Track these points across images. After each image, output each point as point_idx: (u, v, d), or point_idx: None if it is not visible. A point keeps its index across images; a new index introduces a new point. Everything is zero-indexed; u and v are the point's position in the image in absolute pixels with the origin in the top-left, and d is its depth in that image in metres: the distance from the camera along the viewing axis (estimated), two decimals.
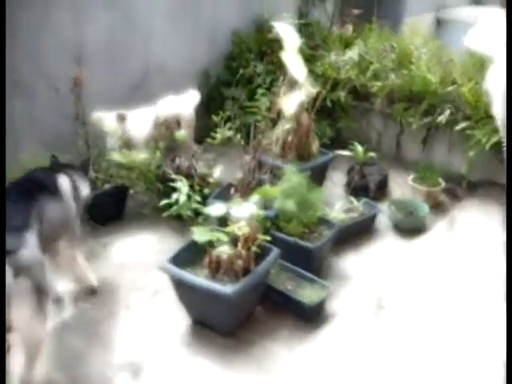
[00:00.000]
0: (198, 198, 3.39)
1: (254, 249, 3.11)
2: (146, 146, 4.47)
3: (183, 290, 3.21)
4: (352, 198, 4.37)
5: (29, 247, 2.62)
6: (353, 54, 5.35)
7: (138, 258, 3.99)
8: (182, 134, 4.17)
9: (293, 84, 4.40)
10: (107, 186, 4.29)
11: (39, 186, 3.07)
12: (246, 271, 3.12)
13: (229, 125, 3.98)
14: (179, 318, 3.38)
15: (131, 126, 4.46)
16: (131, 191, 4.42)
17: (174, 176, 4.06)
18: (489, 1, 9.42)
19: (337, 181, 5.05)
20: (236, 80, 5.81)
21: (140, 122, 4.49)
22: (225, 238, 3.04)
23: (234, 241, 3.12)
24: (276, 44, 5.64)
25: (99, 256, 3.97)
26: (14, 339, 2.64)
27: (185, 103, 4.82)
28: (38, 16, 4.31)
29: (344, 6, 6.36)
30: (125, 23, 4.99)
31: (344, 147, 4.93)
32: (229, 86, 5.84)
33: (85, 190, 3.46)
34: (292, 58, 4.19)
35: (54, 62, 4.45)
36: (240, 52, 5.86)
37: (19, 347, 2.67)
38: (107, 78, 4.78)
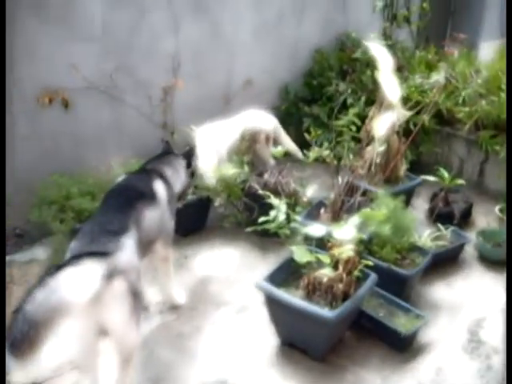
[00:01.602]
0: (298, 217, 3.31)
1: (355, 273, 3.02)
2: (229, 158, 4.44)
3: (277, 309, 3.15)
4: (440, 226, 4.24)
5: (125, 251, 2.61)
6: (439, 77, 5.22)
7: (221, 272, 3.95)
8: (280, 150, 4.12)
9: (384, 105, 4.30)
10: (191, 197, 4.26)
11: (136, 191, 3.08)
12: (345, 295, 3.03)
13: (326, 144, 3.92)
14: (267, 337, 3.32)
15: (216, 139, 4.44)
16: (214, 204, 4.38)
17: (260, 192, 4.01)
18: None
19: (418, 206, 4.92)
20: (316, 97, 5.77)
21: (225, 134, 4.47)
22: (327, 260, 2.96)
23: (335, 264, 3.04)
24: (358, 64, 5.63)
25: (182, 267, 3.95)
26: (106, 345, 2.61)
27: (268, 118, 4.80)
28: (133, 20, 4.35)
29: (426, 29, 6.26)
30: (212, 37, 5.03)
31: (424, 172, 4.80)
32: (307, 102, 5.80)
33: (181, 182, 3.52)
34: (387, 78, 4.10)
35: (145, 71, 4.49)
36: (321, 69, 5.83)
37: (111, 354, 2.63)
38: (194, 88, 4.79)
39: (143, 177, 3.29)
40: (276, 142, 4.83)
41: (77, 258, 2.39)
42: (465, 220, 4.69)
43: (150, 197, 3.13)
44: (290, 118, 5.73)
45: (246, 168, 4.26)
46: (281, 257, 3.59)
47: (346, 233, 3.02)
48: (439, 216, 4.58)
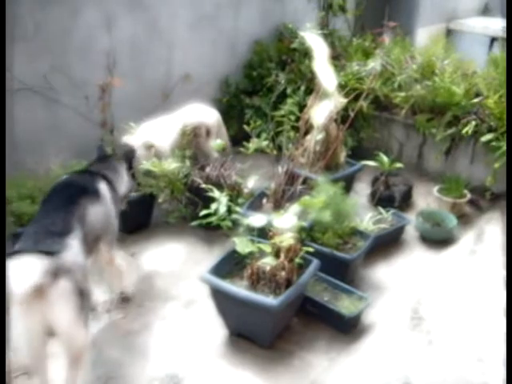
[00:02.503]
0: (238, 209, 3.35)
1: (297, 260, 3.09)
2: (171, 154, 4.44)
3: (223, 301, 3.18)
4: (381, 209, 4.35)
5: (71, 251, 2.60)
6: (375, 64, 5.33)
7: (168, 268, 3.96)
8: (219, 142, 4.14)
9: (321, 94, 4.37)
10: (134, 195, 4.24)
11: (80, 190, 3.05)
12: (288, 282, 3.10)
13: (264, 135, 3.96)
14: (215, 329, 3.36)
15: (157, 135, 4.43)
16: (158, 200, 4.38)
17: (203, 185, 4.03)
18: (497, 11, 9.54)
19: (360, 191, 5.03)
20: (256, 89, 5.81)
21: (166, 130, 4.46)
22: (268, 250, 3.01)
23: (277, 252, 3.09)
24: (296, 53, 5.69)
25: (128, 265, 3.92)
26: (56, 345, 2.61)
27: (209, 112, 4.81)
28: (65, 19, 4.29)
29: (363, 17, 6.37)
30: (148, 32, 4.99)
31: (365, 157, 4.92)
32: (248, 94, 5.84)
33: (124, 185, 3.51)
34: (323, 67, 4.17)
35: (81, 70, 4.44)
36: (260, 61, 5.86)
37: (62, 354, 2.63)
38: (132, 85, 4.76)
39: (86, 176, 3.27)
40: (218, 136, 4.85)
41: (19, 253, 2.40)
42: (405, 202, 4.84)
43: (93, 193, 3.11)
44: (231, 110, 5.75)
45: (188, 162, 4.26)
46: (226, 249, 3.63)
47: (286, 221, 3.08)
48: (380, 199, 4.70)
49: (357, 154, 5.21)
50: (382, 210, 4.36)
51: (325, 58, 4.28)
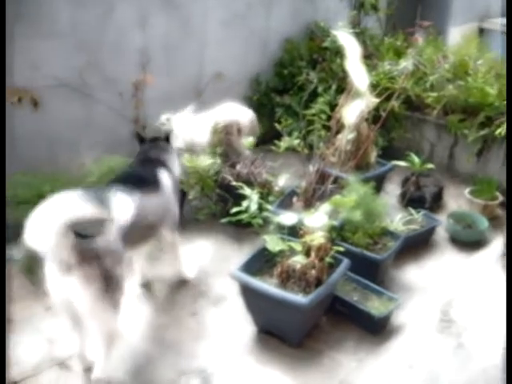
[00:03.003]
0: (269, 207, 3.36)
1: (327, 259, 3.09)
2: (204, 151, 4.47)
3: (253, 298, 3.20)
4: (411, 210, 4.32)
5: (105, 236, 2.68)
6: (407, 63, 5.29)
7: (198, 264, 3.98)
8: (250, 141, 4.16)
9: (353, 93, 4.36)
10: None
11: (139, 181, 3.18)
12: (318, 281, 3.10)
13: (296, 134, 3.97)
14: (244, 326, 3.37)
15: (193, 131, 4.46)
16: (188, 197, 4.41)
17: (233, 183, 4.05)
18: None
19: (390, 191, 5.01)
20: (287, 87, 5.82)
21: (201, 127, 4.49)
22: (299, 248, 3.02)
23: (307, 251, 3.10)
24: (328, 52, 5.68)
25: (158, 259, 3.96)
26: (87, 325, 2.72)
27: (242, 110, 4.82)
28: (100, 17, 4.34)
29: (394, 16, 6.33)
30: (181, 30, 5.03)
31: (396, 157, 4.88)
32: (279, 92, 5.85)
33: (177, 167, 3.66)
34: (355, 67, 4.15)
35: (115, 67, 4.49)
36: (291, 59, 5.86)
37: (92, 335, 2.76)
38: (164, 82, 4.80)
39: (147, 165, 3.43)
40: (251, 134, 4.86)
41: None
42: (436, 203, 4.80)
43: (153, 184, 3.28)
44: (262, 108, 5.76)
45: (219, 159, 4.28)
46: (256, 246, 3.64)
47: (317, 220, 3.08)
48: (411, 200, 4.67)
49: (387, 153, 5.18)
50: (412, 210, 4.32)
51: (357, 57, 4.27)
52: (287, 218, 3.14)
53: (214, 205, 4.34)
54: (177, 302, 3.60)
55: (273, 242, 3.07)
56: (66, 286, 2.53)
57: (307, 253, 3.10)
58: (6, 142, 3.83)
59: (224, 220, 4.06)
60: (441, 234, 4.42)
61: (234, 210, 3.36)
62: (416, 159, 4.70)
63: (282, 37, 5.95)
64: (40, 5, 3.97)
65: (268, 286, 3.10)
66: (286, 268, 3.12)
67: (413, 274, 3.94)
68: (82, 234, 2.57)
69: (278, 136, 4.37)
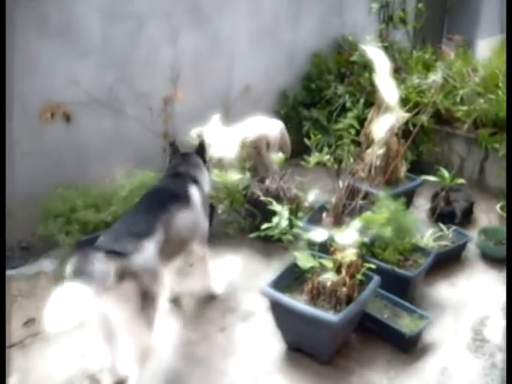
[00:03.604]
0: (300, 223, 3.35)
1: (358, 277, 3.07)
2: (233, 165, 4.48)
3: (283, 314, 3.19)
4: (442, 226, 4.27)
5: (143, 254, 2.72)
6: (436, 77, 5.26)
7: (226, 279, 3.97)
8: (280, 155, 4.16)
9: (382, 107, 4.33)
10: None
11: (171, 195, 3.25)
12: (349, 299, 3.07)
13: (326, 149, 3.96)
14: (273, 343, 3.36)
15: (222, 145, 4.47)
16: (217, 211, 4.42)
17: (262, 198, 4.05)
18: None
19: (419, 206, 4.96)
20: (315, 101, 5.82)
21: (230, 140, 4.50)
22: (329, 265, 3.00)
23: (338, 268, 3.08)
24: (355, 66, 5.67)
25: (187, 274, 3.97)
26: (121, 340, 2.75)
27: (271, 124, 4.83)
28: (131, 32, 4.40)
29: (423, 29, 6.29)
30: (210, 45, 5.07)
31: (425, 172, 4.83)
32: (306, 106, 5.85)
33: (207, 181, 3.71)
34: (385, 81, 4.13)
35: (145, 82, 4.54)
36: (319, 73, 5.87)
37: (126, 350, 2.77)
38: (193, 97, 4.83)
39: (178, 180, 3.47)
40: (281, 147, 4.87)
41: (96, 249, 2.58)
42: (466, 219, 4.74)
43: (185, 199, 3.32)
44: (289, 122, 5.74)
45: (248, 174, 4.29)
46: (285, 262, 3.63)
47: (348, 237, 3.06)
48: (441, 215, 4.62)
49: (416, 168, 5.14)
50: (442, 226, 4.27)
51: (386, 71, 4.25)
52: (318, 234, 3.13)
53: (243, 219, 4.34)
54: (205, 318, 3.60)
55: (303, 259, 3.06)
56: (103, 302, 2.54)
57: (338, 270, 3.08)
58: (35, 156, 3.95)
59: (253, 235, 4.03)
60: (472, 250, 4.36)
61: (264, 226, 3.34)
62: (446, 174, 4.65)
63: (310, 50, 5.97)
64: (73, 22, 4.04)
65: (298, 302, 3.08)
66: (316, 285, 3.11)
67: (444, 291, 3.89)
68: (120, 252, 2.61)
69: (306, 150, 4.36)
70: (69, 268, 2.44)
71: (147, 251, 2.77)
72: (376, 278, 3.23)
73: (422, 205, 4.96)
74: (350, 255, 2.95)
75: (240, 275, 4.05)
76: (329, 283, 3.03)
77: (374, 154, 4.01)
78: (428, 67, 5.64)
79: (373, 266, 3.14)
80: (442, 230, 4.25)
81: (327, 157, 3.80)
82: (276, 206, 3.34)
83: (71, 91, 4.02)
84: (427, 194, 4.98)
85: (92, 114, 4.24)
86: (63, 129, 4.06)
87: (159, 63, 4.62)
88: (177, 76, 4.43)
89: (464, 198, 4.80)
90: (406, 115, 4.34)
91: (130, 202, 3.64)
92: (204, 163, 3.73)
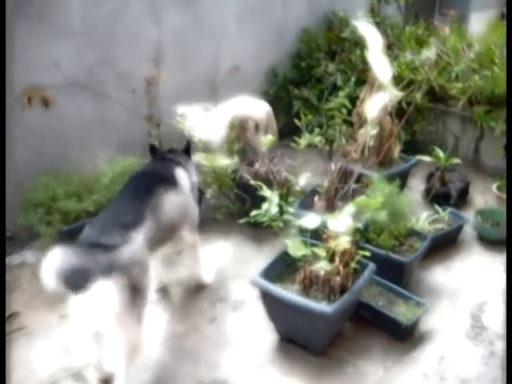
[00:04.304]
0: (291, 209, 3.20)
1: (352, 265, 2.93)
2: (221, 148, 4.32)
3: (274, 305, 3.06)
4: (437, 207, 4.14)
5: (132, 245, 2.59)
6: (430, 53, 5.08)
7: (215, 266, 3.84)
8: (269, 138, 3.99)
9: (375, 86, 4.17)
10: None
11: (158, 179, 3.09)
12: (343, 288, 2.95)
13: (317, 130, 3.79)
14: (265, 334, 3.24)
15: (208, 127, 4.30)
16: (206, 195, 4.27)
17: (252, 182, 3.90)
18: None
19: (413, 187, 4.83)
20: (304, 79, 5.64)
21: (216, 122, 4.33)
22: (322, 254, 2.86)
23: (331, 256, 2.94)
24: (346, 43, 5.49)
25: (175, 263, 3.84)
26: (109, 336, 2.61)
27: (258, 104, 4.66)
28: (113, 12, 4.20)
29: (414, 4, 6.09)
30: (195, 23, 4.86)
31: (419, 151, 4.70)
32: (296, 85, 5.67)
33: (195, 174, 3.56)
34: (377, 58, 3.96)
35: (128, 63, 4.35)
36: (309, 50, 5.67)
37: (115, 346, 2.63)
38: (178, 78, 4.65)
39: (164, 164, 3.31)
40: (268, 129, 4.70)
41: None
42: (462, 199, 4.61)
43: (172, 181, 3.17)
44: (279, 101, 5.59)
45: (237, 157, 4.13)
46: (276, 248, 3.52)
47: (341, 223, 2.91)
48: (436, 196, 4.50)
49: (410, 147, 4.99)
50: (438, 208, 4.15)
51: (379, 48, 4.08)
52: (310, 220, 2.98)
53: (232, 204, 4.20)
54: (195, 308, 3.47)
55: (295, 247, 2.91)
56: (91, 298, 2.41)
57: (331, 258, 2.95)
58: (16, 142, 3.77)
59: (242, 220, 3.90)
60: (468, 232, 4.24)
61: (254, 212, 3.20)
62: (441, 154, 4.51)
63: (299, 27, 5.76)
64: (52, 4, 3.82)
65: (290, 293, 2.95)
66: (308, 274, 2.97)
67: (440, 275, 3.77)
68: (108, 245, 2.48)
69: (296, 131, 4.19)
70: (47, 266, 2.29)
71: (136, 242, 2.63)
72: (371, 266, 3.11)
73: (417, 185, 4.83)
74: (343, 243, 2.81)
75: (230, 262, 3.93)
76: (322, 272, 2.89)
77: (367, 134, 3.86)
78: (421, 43, 5.46)
79: (367, 254, 3.00)
80: (437, 213, 4.12)
81: (318, 138, 3.63)
82: (265, 192, 3.19)
83: (50, 74, 3.83)
84: (421, 174, 4.84)
85: (73, 97, 4.05)
86: (43, 114, 3.87)
87: (142, 43, 4.43)
88: (161, 56, 4.25)
89: (459, 178, 4.67)
90: (400, 94, 4.18)
91: (113, 190, 3.49)
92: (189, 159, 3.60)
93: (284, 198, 3.78)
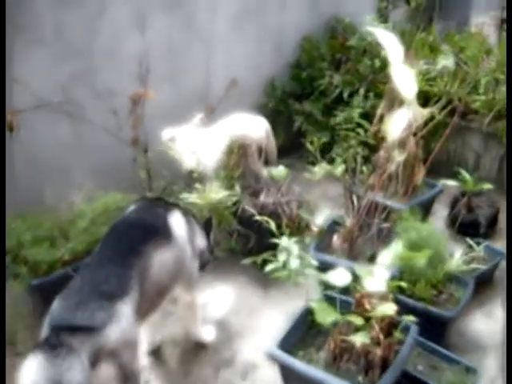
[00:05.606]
0: (313, 262, 2.58)
1: (397, 335, 2.36)
2: (215, 175, 3.73)
3: (297, 383, 2.47)
4: (469, 241, 3.59)
5: (119, 323, 2.03)
6: (447, 62, 4.55)
7: (217, 319, 3.24)
8: (282, 170, 3.40)
9: (395, 101, 3.63)
10: None
11: (146, 230, 2.50)
12: (384, 361, 2.36)
13: (339, 159, 3.23)
14: None
15: (201, 152, 3.69)
16: None
17: (258, 217, 3.31)
18: None
19: (435, 212, 4.26)
20: (306, 92, 5.08)
21: (212, 145, 3.73)
22: (359, 322, 2.28)
23: (367, 319, 2.36)
24: (352, 51, 4.95)
25: (168, 315, 3.23)
26: None
27: (258, 123, 4.07)
28: (90, 19, 3.60)
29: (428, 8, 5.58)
30: (185, 30, 4.27)
31: (437, 172, 4.17)
32: (297, 98, 5.11)
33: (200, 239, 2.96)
34: (400, 70, 3.41)
35: (108, 78, 3.75)
36: (310, 59, 5.11)
37: None
38: (167, 94, 4.07)
39: (156, 208, 2.71)
40: (267, 148, 4.11)
41: (54, 336, 1.88)
42: (491, 228, 4.06)
43: (164, 234, 2.56)
44: (278, 116, 5.02)
45: (238, 187, 3.55)
46: (287, 295, 2.95)
47: (379, 281, 2.34)
48: (462, 225, 3.97)
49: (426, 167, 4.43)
50: (470, 241, 3.59)
51: (400, 58, 3.54)
52: (338, 276, 2.40)
53: (234, 242, 3.61)
54: (195, 377, 2.88)
55: (322, 312, 2.32)
56: None
57: (366, 321, 2.36)
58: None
59: (247, 261, 3.29)
60: (504, 267, 3.67)
61: (269, 267, 2.59)
62: (467, 177, 3.98)
63: (299, 34, 5.19)
64: (18, 6, 3.21)
65: (320, 371, 2.36)
66: (339, 344, 2.38)
67: (481, 324, 3.22)
68: (88, 326, 1.92)
69: (297, 149, 3.62)
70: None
71: (124, 318, 2.07)
72: (413, 329, 2.53)
73: (439, 211, 4.27)
74: (389, 311, 2.22)
75: (233, 313, 3.33)
76: (358, 343, 2.30)
77: (394, 159, 3.30)
78: (434, 51, 4.93)
79: (412, 319, 2.42)
80: (470, 247, 3.56)
81: (340, 169, 3.05)
82: (284, 241, 2.58)
83: (17, 93, 3.21)
84: (443, 198, 4.29)
85: (44, 119, 3.44)
86: (12, 140, 3.25)
87: (124, 55, 3.82)
88: (146, 70, 3.63)
89: (488, 203, 4.13)
90: (426, 111, 3.62)
91: (93, 234, 2.90)
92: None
93: (294, 233, 3.20)
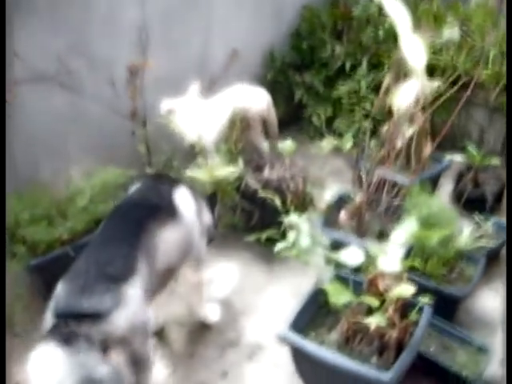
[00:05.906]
0: (325, 241, 2.49)
1: (413, 317, 2.28)
2: (216, 149, 3.61)
3: (310, 366, 2.40)
4: (478, 217, 3.52)
5: (127, 306, 1.94)
6: (452, 33, 4.41)
7: (220, 298, 3.16)
8: (289, 144, 3.28)
9: (402, 72, 3.51)
10: None
11: (151, 208, 2.39)
12: (399, 343, 2.30)
13: (350, 134, 3.11)
14: None
15: (200, 124, 3.55)
16: None
17: (261, 193, 3.21)
18: None
19: (439, 187, 4.17)
20: (306, 62, 4.94)
21: (213, 118, 3.59)
22: (374, 303, 2.20)
23: (382, 301, 2.29)
24: (355, 21, 4.80)
25: (172, 293, 3.13)
26: None
27: (260, 95, 3.93)
28: None
29: None
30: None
31: (440, 145, 4.06)
32: (297, 68, 4.96)
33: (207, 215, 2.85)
34: (409, 40, 3.29)
35: (105, 48, 3.58)
36: (311, 29, 4.94)
37: None
38: (165, 64, 3.89)
39: (161, 185, 2.60)
40: (267, 121, 3.99)
41: (63, 325, 1.81)
42: (498, 203, 3.99)
43: (169, 211, 2.45)
44: (277, 87, 4.87)
45: (241, 162, 3.43)
46: (290, 269, 2.98)
47: (394, 260, 2.25)
48: (469, 201, 3.90)
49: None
50: (479, 218, 3.52)
51: (409, 28, 3.41)
52: (351, 255, 2.31)
53: (236, 217, 3.51)
54: (200, 357, 2.81)
55: (336, 293, 2.24)
56: None
57: (382, 303, 2.29)
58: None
59: (250, 238, 3.20)
60: None
61: (279, 245, 2.49)
62: (475, 152, 3.89)
63: (299, 3, 5.01)
64: None
65: (334, 353, 2.28)
66: (352, 325, 2.31)
67: (490, 301, 3.17)
68: (95, 312, 1.84)
69: (297, 121, 3.49)
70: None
71: (132, 300, 1.97)
72: (427, 309, 2.45)
73: (443, 185, 4.18)
74: (406, 292, 2.14)
75: (237, 291, 3.25)
76: (373, 325, 2.23)
77: (402, 132, 3.19)
78: (439, 22, 4.78)
79: (428, 302, 2.34)
80: (477, 223, 3.49)
81: (350, 143, 2.94)
82: (293, 218, 2.48)
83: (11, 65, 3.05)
84: (448, 173, 4.20)
85: (39, 92, 3.27)
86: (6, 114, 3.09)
87: (123, 24, 3.65)
88: (145, 40, 3.48)
89: (494, 178, 4.04)
90: (434, 84, 3.50)
91: (92, 212, 2.79)
92: None
93: (299, 209, 3.11)
